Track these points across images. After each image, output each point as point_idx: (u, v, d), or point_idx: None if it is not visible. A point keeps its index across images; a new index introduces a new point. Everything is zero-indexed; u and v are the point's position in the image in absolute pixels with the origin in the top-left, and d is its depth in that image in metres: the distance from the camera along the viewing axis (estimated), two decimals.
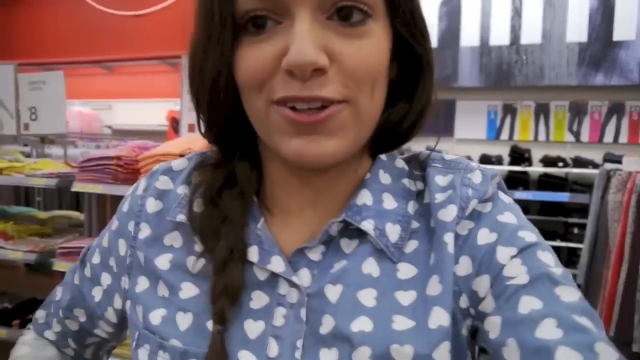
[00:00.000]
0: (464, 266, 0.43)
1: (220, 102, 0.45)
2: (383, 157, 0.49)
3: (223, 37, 0.42)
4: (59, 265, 1.90)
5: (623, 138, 4.14)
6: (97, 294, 0.56)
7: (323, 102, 0.40)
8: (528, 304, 0.39)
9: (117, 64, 5.20)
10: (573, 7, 4.11)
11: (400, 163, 0.50)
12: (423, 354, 0.41)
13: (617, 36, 4.01)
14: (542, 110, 4.35)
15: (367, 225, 0.44)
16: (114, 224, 0.55)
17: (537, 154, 4.26)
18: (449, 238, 0.43)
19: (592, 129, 4.22)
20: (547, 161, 4.19)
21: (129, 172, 1.89)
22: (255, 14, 0.40)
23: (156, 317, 0.47)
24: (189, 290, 0.47)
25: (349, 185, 0.48)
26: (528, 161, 4.25)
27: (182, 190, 0.51)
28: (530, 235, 0.43)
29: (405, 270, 0.44)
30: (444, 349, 0.41)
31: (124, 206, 0.55)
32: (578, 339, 0.37)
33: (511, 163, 4.27)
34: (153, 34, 5.05)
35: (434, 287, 0.43)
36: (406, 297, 0.43)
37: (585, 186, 3.99)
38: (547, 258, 0.42)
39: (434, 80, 0.46)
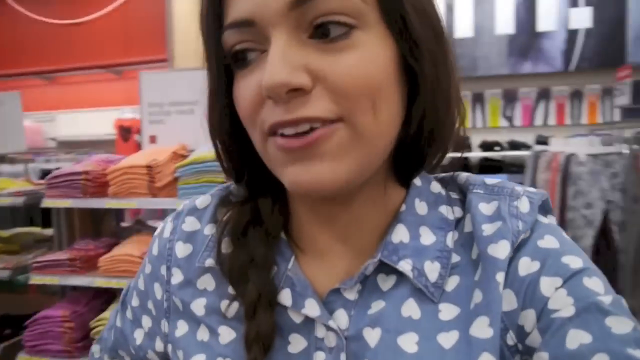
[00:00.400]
0: (508, 301, 0.40)
1: (232, 146, 0.45)
2: (418, 182, 0.46)
3: (219, 82, 0.42)
4: (35, 279, 1.95)
5: (551, 120, 4.50)
6: (138, 336, 0.54)
7: (310, 123, 0.37)
8: (576, 339, 0.36)
9: (59, 74, 5.10)
10: (500, 2, 4.43)
11: (436, 187, 0.47)
12: None
13: (540, 27, 4.35)
14: (478, 99, 4.66)
15: (405, 266, 0.42)
16: (146, 267, 0.54)
17: (476, 140, 4.56)
18: (501, 278, 0.40)
19: (524, 114, 4.56)
20: (485, 146, 4.49)
21: (97, 185, 1.95)
22: (235, 49, 0.40)
23: None
24: (226, 335, 0.46)
25: (381, 217, 0.45)
26: (469, 147, 4.54)
27: (209, 230, 0.50)
28: (575, 260, 0.40)
29: (448, 311, 0.41)
30: None
31: (153, 249, 0.53)
32: None
33: (454, 150, 4.53)
34: (94, 42, 4.98)
35: (483, 330, 0.40)
36: (448, 339, 0.41)
37: (520, 167, 4.32)
38: (595, 284, 0.39)
39: (450, 90, 0.42)
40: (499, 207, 0.43)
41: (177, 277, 0.50)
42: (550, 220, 0.45)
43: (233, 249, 0.46)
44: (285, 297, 0.44)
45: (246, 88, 0.39)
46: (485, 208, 0.43)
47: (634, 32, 4.12)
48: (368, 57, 0.38)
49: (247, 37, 0.38)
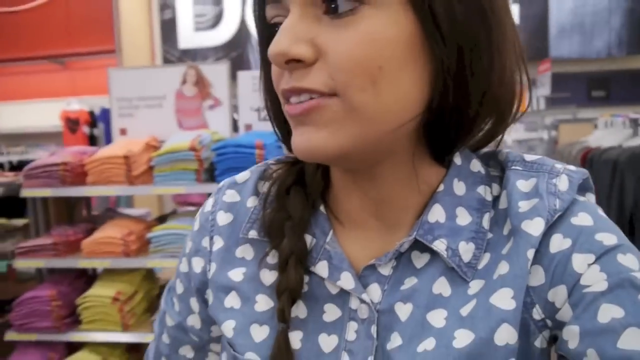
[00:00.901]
0: (537, 276, 0.40)
1: (276, 112, 0.48)
2: (458, 161, 0.45)
3: (263, 53, 0.44)
4: (20, 263, 2.12)
5: None
6: (194, 322, 0.53)
7: (309, 94, 0.39)
8: (608, 313, 0.37)
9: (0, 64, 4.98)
10: None
11: (476, 166, 0.46)
12: None
13: None
14: None
15: (440, 245, 0.42)
16: (187, 246, 0.54)
17: None
18: (531, 254, 0.40)
19: None
20: None
21: (74, 175, 2.12)
22: (271, 22, 0.42)
23: (228, 329, 0.47)
24: (263, 303, 0.47)
25: (416, 197, 0.45)
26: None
27: (251, 202, 0.51)
28: (610, 237, 0.40)
29: (476, 286, 0.42)
30: None
31: (195, 226, 0.54)
32: None
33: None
34: (36, 32, 4.88)
35: (505, 300, 0.40)
36: (467, 308, 0.41)
37: None
38: (630, 261, 0.38)
39: (490, 77, 0.40)
40: (537, 184, 0.42)
41: (218, 243, 0.51)
42: (589, 198, 0.44)
43: (275, 206, 0.48)
44: (322, 268, 0.45)
45: None
46: (523, 185, 0.43)
47: (554, 28, 4.52)
48: (371, 36, 0.37)
49: (279, 12, 0.41)
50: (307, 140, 0.40)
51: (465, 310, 0.41)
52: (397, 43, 0.38)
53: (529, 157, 0.45)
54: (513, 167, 0.44)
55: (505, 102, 0.43)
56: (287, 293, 0.44)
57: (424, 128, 0.43)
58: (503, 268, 0.41)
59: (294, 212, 0.47)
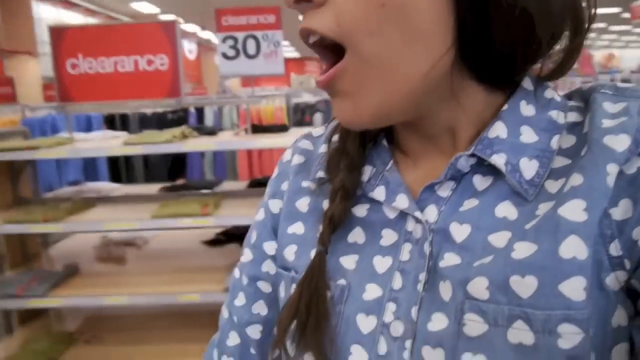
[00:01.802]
0: (623, 209, 0.35)
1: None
2: (528, 85, 0.42)
3: None
4: None
5: None
6: (269, 267, 0.53)
7: (311, 34, 0.40)
8: None
9: None
10: None
11: (550, 93, 0.42)
12: (549, 287, 0.35)
13: None
14: None
15: (498, 160, 0.39)
16: (265, 194, 0.56)
17: None
18: (612, 169, 0.36)
19: None
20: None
21: None
22: None
23: (290, 253, 0.50)
24: None
25: (475, 123, 0.43)
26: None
27: (323, 149, 0.53)
28: None
29: (545, 208, 0.38)
30: (577, 284, 0.34)
31: (274, 174, 0.57)
32: None
33: None
34: None
35: (576, 212, 0.36)
36: (530, 222, 0.38)
37: None
38: None
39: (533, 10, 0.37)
40: (627, 106, 0.38)
41: (287, 184, 0.54)
42: None
43: (337, 144, 0.50)
44: (379, 193, 0.45)
45: None
46: (611, 107, 0.38)
47: None
48: None
49: None
50: (340, 113, 0.41)
51: (529, 224, 0.37)
52: None
53: (621, 84, 0.41)
54: (602, 91, 0.40)
55: (569, 12, 0.39)
56: (329, 220, 0.46)
57: (463, 59, 0.39)
58: (576, 180, 0.37)
59: (351, 151, 0.48)
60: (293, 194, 0.52)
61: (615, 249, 0.35)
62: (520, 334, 0.35)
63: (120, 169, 4.81)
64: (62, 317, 2.59)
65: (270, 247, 0.53)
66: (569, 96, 0.44)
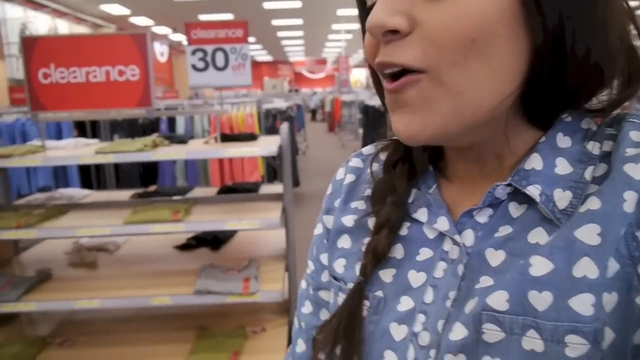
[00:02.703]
0: None
1: (376, 85, 0.51)
2: (567, 118, 0.44)
3: (363, 33, 0.48)
4: None
5: None
6: (326, 277, 0.57)
7: (398, 68, 0.41)
8: None
9: None
10: None
11: (587, 123, 0.44)
12: (561, 302, 0.38)
13: None
14: None
15: (534, 191, 0.42)
16: (321, 210, 0.60)
17: None
18: (629, 196, 0.38)
19: None
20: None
21: None
22: (369, 4, 0.45)
23: (339, 266, 0.54)
24: None
25: (518, 155, 0.45)
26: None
27: (373, 168, 0.56)
28: None
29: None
30: (586, 300, 0.37)
31: (328, 191, 0.60)
32: None
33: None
34: None
35: (590, 236, 0.38)
36: (544, 237, 0.41)
37: None
38: None
39: (591, 49, 0.40)
40: None
41: (339, 201, 0.57)
42: None
43: (382, 177, 0.53)
44: (422, 214, 0.49)
45: (368, 35, 0.44)
46: (637, 135, 0.41)
47: None
48: (467, 9, 0.38)
49: None
50: (404, 126, 0.42)
51: (543, 239, 0.41)
52: (493, 16, 0.38)
53: None
54: (630, 119, 0.42)
55: (621, 68, 0.42)
56: (372, 254, 0.49)
57: (520, 99, 0.42)
58: (593, 204, 0.39)
59: (399, 185, 0.51)
60: (342, 211, 0.56)
61: None
62: (532, 342, 0.38)
63: (91, 175, 4.82)
64: (35, 321, 2.63)
65: (326, 258, 0.57)
66: (611, 120, 0.45)
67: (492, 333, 0.40)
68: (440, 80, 0.39)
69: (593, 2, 0.40)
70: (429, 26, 0.39)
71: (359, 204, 0.55)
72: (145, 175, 4.82)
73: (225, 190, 2.78)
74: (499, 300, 0.40)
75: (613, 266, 0.38)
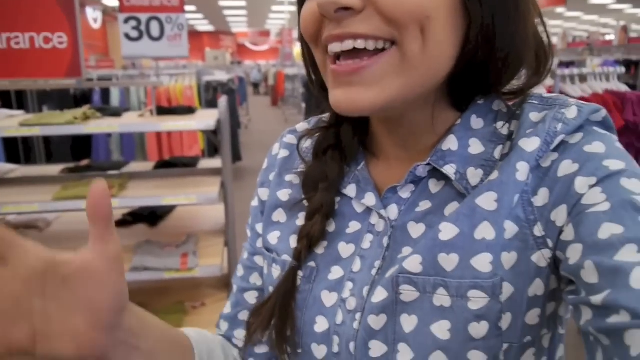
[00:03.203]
0: (541, 197, 0.43)
1: (309, 60, 0.53)
2: (480, 100, 0.48)
3: (298, 4, 0.48)
4: None
5: None
6: (261, 243, 0.60)
7: (354, 40, 0.42)
8: (608, 230, 0.37)
9: None
10: None
11: (497, 105, 0.49)
12: (465, 262, 0.43)
13: None
14: None
15: (449, 169, 0.46)
16: (257, 183, 0.63)
17: None
18: (521, 166, 0.43)
19: None
20: None
21: None
22: None
23: (273, 238, 0.57)
24: (303, 219, 0.55)
25: (434, 135, 0.49)
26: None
27: (305, 144, 0.59)
28: (617, 163, 0.40)
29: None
30: (484, 259, 0.43)
31: (264, 165, 0.63)
32: None
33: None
34: None
35: (488, 202, 0.43)
36: (452, 207, 0.46)
37: None
38: (634, 185, 0.39)
39: (515, 35, 0.44)
40: (546, 114, 0.45)
41: (274, 174, 0.60)
42: (614, 137, 0.45)
43: (313, 163, 0.55)
44: (351, 190, 0.53)
45: (308, 9, 0.45)
46: (535, 116, 0.45)
47: None
48: None
49: None
50: (351, 100, 0.43)
51: (450, 209, 0.46)
52: None
53: (546, 95, 0.48)
54: (530, 101, 0.47)
55: (532, 59, 0.46)
56: (306, 239, 0.52)
57: (447, 79, 0.46)
58: (493, 175, 0.44)
59: (330, 172, 0.53)
60: (277, 185, 0.59)
61: (538, 230, 0.42)
62: (441, 298, 0.44)
63: (19, 148, 4.55)
64: None
65: (260, 228, 0.60)
66: (518, 104, 0.49)
67: (408, 293, 0.45)
68: (405, 56, 0.41)
69: (516, 3, 0.43)
70: (381, 3, 0.40)
71: (294, 178, 0.58)
72: (77, 149, 4.59)
73: (163, 165, 2.72)
74: (413, 263, 0.45)
75: (512, 228, 0.43)
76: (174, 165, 2.70)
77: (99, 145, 4.68)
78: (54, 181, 2.44)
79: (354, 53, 0.43)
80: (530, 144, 0.44)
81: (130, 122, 2.33)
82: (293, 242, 0.54)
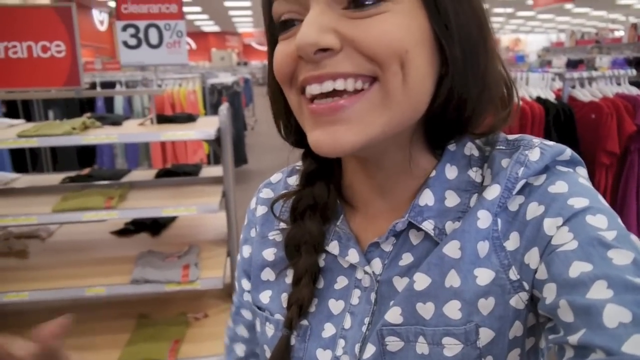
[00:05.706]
0: (513, 241, 0.43)
1: (279, 104, 0.51)
2: (452, 147, 0.48)
3: (269, 46, 0.48)
4: None
5: None
6: (248, 297, 0.61)
7: (334, 81, 0.41)
8: (578, 268, 0.38)
9: None
10: None
11: (469, 149, 0.49)
12: (439, 310, 0.44)
13: None
14: None
15: (428, 226, 0.47)
16: (241, 240, 0.64)
17: None
18: (482, 214, 0.44)
19: None
20: None
21: None
22: (282, 19, 0.44)
23: (265, 297, 0.57)
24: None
25: (411, 181, 0.49)
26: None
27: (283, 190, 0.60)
28: (581, 200, 0.41)
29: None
30: (453, 306, 0.44)
31: (245, 222, 0.63)
32: (629, 297, 0.35)
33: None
34: None
35: (453, 251, 0.44)
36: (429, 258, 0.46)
37: None
38: (599, 222, 0.40)
39: (487, 76, 0.44)
40: (508, 160, 0.45)
41: (255, 231, 0.61)
42: (579, 172, 0.46)
43: (292, 226, 0.54)
44: (334, 247, 0.53)
45: (283, 50, 0.44)
46: (506, 162, 0.46)
47: None
48: (396, 22, 0.40)
49: (293, 8, 0.43)
50: (333, 139, 0.42)
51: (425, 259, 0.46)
52: (418, 32, 0.41)
53: (510, 137, 0.49)
54: (497, 147, 0.48)
55: (500, 100, 0.48)
56: (296, 306, 0.52)
57: (422, 120, 0.46)
58: (457, 225, 0.46)
59: (310, 238, 0.53)
60: (261, 245, 0.59)
61: (513, 274, 0.43)
62: (422, 346, 0.45)
63: (25, 156, 4.54)
64: None
65: (245, 284, 0.62)
66: (487, 143, 0.50)
67: (393, 344, 0.47)
68: (387, 93, 0.41)
69: (487, 34, 0.44)
70: (360, 41, 0.40)
71: (277, 236, 0.58)
72: (84, 155, 4.59)
73: (164, 173, 2.68)
74: (394, 315, 0.47)
75: (486, 274, 0.44)
76: (175, 173, 2.66)
77: (104, 151, 4.68)
78: (54, 191, 2.42)
79: (332, 93, 0.42)
80: (491, 192, 0.45)
81: (129, 132, 2.30)
82: (284, 300, 0.54)
